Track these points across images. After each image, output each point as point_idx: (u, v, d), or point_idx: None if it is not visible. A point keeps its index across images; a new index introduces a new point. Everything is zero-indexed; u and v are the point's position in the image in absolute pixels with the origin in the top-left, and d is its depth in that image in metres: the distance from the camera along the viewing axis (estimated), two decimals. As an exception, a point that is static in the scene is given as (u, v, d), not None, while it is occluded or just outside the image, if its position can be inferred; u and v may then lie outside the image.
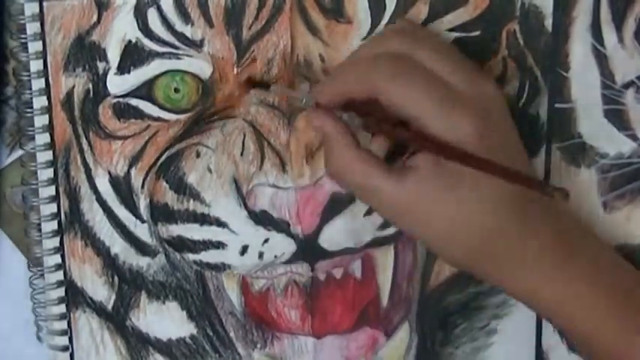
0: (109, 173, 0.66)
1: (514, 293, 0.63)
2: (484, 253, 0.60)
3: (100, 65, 0.65)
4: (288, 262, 0.67)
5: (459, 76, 0.59)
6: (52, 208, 0.66)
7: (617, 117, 0.67)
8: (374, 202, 0.62)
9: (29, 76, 0.65)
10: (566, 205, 0.62)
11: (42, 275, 0.67)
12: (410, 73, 0.59)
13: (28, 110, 0.65)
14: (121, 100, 0.65)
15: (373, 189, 0.60)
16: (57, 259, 0.67)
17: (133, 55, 0.64)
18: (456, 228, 0.60)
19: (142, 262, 0.68)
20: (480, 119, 0.58)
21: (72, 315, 0.68)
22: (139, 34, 0.64)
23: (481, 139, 0.58)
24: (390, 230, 0.67)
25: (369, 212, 0.67)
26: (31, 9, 0.64)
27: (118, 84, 0.65)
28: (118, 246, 0.67)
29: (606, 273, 0.62)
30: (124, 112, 0.65)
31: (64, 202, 0.67)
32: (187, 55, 0.64)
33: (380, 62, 0.60)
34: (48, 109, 0.65)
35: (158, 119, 0.65)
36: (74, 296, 0.68)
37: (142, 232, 0.67)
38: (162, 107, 0.65)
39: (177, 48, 0.64)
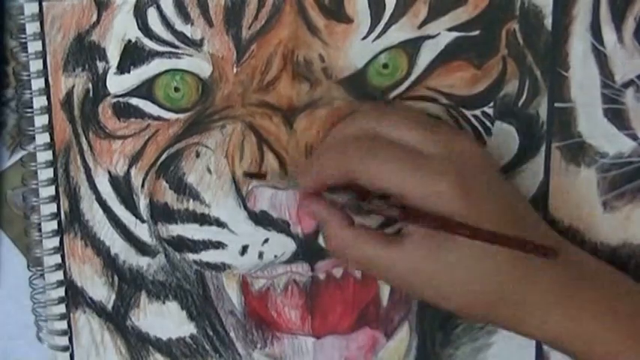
0: (109, 173, 0.66)
1: (538, 338, 0.64)
2: (493, 306, 0.61)
3: (100, 65, 0.65)
4: (288, 261, 0.67)
5: (429, 141, 0.60)
6: (52, 208, 0.66)
7: (616, 116, 0.67)
8: (378, 273, 0.63)
9: (29, 76, 0.65)
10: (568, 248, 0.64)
11: (42, 275, 0.67)
12: (379, 149, 0.60)
13: (28, 110, 0.65)
14: (120, 99, 0.65)
15: (375, 262, 0.61)
16: (57, 259, 0.67)
17: (132, 55, 0.64)
18: (461, 288, 0.60)
19: (142, 262, 0.68)
20: (458, 177, 0.59)
21: (72, 315, 0.68)
22: (139, 34, 0.64)
23: (463, 198, 0.59)
24: (390, 229, 0.67)
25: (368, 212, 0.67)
26: (30, 9, 0.64)
27: (117, 83, 0.65)
28: (118, 246, 0.67)
29: (624, 305, 0.62)
30: (123, 111, 0.65)
31: (64, 202, 0.67)
32: (187, 55, 0.65)
33: (348, 146, 0.61)
34: (48, 109, 0.65)
35: (158, 118, 0.65)
36: (74, 296, 0.68)
37: (142, 232, 0.67)
38: (162, 106, 0.65)
39: (177, 47, 0.64)
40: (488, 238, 0.58)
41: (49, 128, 0.66)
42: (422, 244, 0.60)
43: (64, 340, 0.68)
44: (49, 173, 0.66)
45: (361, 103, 0.66)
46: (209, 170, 0.66)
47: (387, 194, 0.60)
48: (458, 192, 0.59)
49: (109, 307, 0.68)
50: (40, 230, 0.67)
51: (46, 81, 0.65)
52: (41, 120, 0.65)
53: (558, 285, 0.61)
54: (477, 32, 0.66)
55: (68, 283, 0.68)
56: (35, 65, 0.65)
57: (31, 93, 0.65)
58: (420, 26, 0.66)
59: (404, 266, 0.60)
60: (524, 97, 0.67)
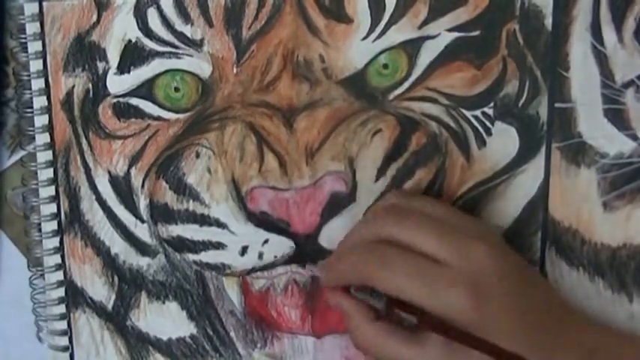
0: (109, 173, 0.66)
1: None
2: None
3: (100, 65, 0.65)
4: (288, 261, 0.67)
5: (445, 250, 0.60)
6: (52, 208, 0.67)
7: (617, 116, 0.67)
8: None
9: (29, 76, 0.65)
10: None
11: (42, 275, 0.68)
12: (397, 259, 0.61)
13: (28, 110, 0.65)
14: (121, 99, 0.65)
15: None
16: (57, 259, 0.67)
17: (132, 55, 0.64)
18: None
19: (142, 262, 0.68)
20: (472, 291, 0.59)
21: (72, 315, 0.68)
22: (139, 34, 0.64)
23: (476, 310, 0.59)
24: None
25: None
26: (30, 9, 0.64)
27: (117, 83, 0.65)
28: (118, 246, 0.67)
29: None
30: (124, 111, 0.65)
31: (64, 202, 0.67)
32: (187, 55, 0.65)
33: (368, 253, 0.62)
34: (48, 109, 0.65)
35: (158, 118, 0.65)
36: (74, 296, 0.68)
37: (142, 232, 0.67)
38: (162, 106, 0.65)
39: (177, 47, 0.64)
40: (502, 356, 0.58)
41: (49, 128, 0.66)
42: (442, 350, 0.60)
43: (64, 340, 0.68)
44: (49, 173, 0.66)
45: (362, 109, 0.66)
46: (209, 170, 0.66)
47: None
48: (471, 303, 0.59)
49: (109, 307, 0.68)
50: (40, 230, 0.67)
51: (46, 81, 0.65)
52: (41, 120, 0.65)
53: None
54: (477, 33, 0.66)
55: (68, 283, 0.68)
56: (35, 65, 0.65)
57: (31, 93, 0.65)
58: (420, 27, 0.66)
59: None
60: (524, 97, 0.67)
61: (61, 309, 0.68)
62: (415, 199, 0.65)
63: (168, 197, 0.66)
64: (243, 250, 0.67)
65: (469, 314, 0.59)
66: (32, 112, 0.65)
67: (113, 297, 0.68)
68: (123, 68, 0.65)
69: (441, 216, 0.64)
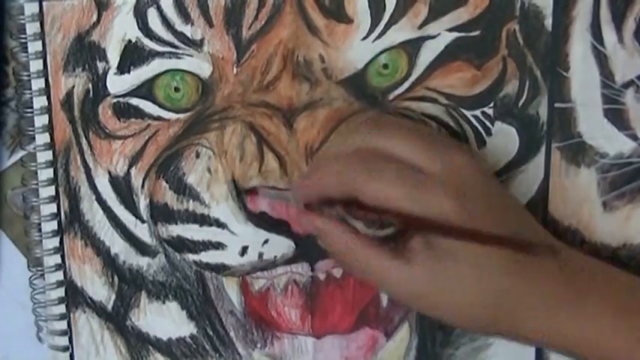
0: (109, 173, 0.66)
1: (543, 343, 0.64)
2: (495, 317, 0.61)
3: (100, 65, 0.65)
4: (288, 262, 0.67)
5: (427, 156, 0.61)
6: (52, 208, 0.66)
7: (617, 116, 0.67)
8: (384, 286, 0.63)
9: (29, 76, 0.65)
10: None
11: (42, 275, 0.67)
12: (381, 167, 0.60)
13: (28, 110, 0.65)
14: (121, 99, 0.65)
15: (382, 275, 0.61)
16: (57, 259, 0.67)
17: (132, 55, 0.64)
18: (465, 301, 0.60)
19: (142, 262, 0.68)
20: (455, 193, 0.59)
21: (72, 315, 0.68)
22: (139, 34, 0.64)
23: (461, 212, 0.59)
24: (390, 230, 0.67)
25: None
26: (30, 9, 0.64)
27: (117, 84, 0.65)
28: (118, 246, 0.67)
29: (627, 301, 0.62)
30: (124, 111, 0.65)
31: (64, 202, 0.67)
32: (187, 55, 0.64)
33: (352, 162, 0.61)
34: (48, 109, 0.65)
35: (158, 118, 0.65)
36: (74, 296, 0.68)
37: (142, 232, 0.67)
38: (162, 106, 0.65)
39: (177, 47, 0.64)
40: (482, 239, 0.58)
41: (49, 128, 0.65)
42: (425, 262, 0.60)
43: (64, 340, 0.68)
44: (49, 173, 0.66)
45: (362, 110, 0.66)
46: (209, 170, 0.66)
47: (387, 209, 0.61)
48: (457, 208, 0.59)
49: (109, 307, 0.68)
50: (40, 230, 0.67)
51: (46, 81, 0.65)
52: (41, 120, 0.65)
53: (558, 287, 0.61)
54: (477, 32, 0.66)
55: (68, 283, 0.68)
56: (35, 65, 0.64)
57: (31, 93, 0.65)
58: (420, 26, 0.66)
59: (410, 284, 0.61)
60: (524, 97, 0.67)
61: (61, 309, 0.68)
62: (387, 114, 0.66)
63: (168, 197, 0.66)
64: (243, 250, 0.67)
65: (456, 219, 0.59)
66: (32, 112, 0.65)
67: (113, 297, 0.68)
68: (123, 68, 0.65)
69: (414, 127, 0.65)
